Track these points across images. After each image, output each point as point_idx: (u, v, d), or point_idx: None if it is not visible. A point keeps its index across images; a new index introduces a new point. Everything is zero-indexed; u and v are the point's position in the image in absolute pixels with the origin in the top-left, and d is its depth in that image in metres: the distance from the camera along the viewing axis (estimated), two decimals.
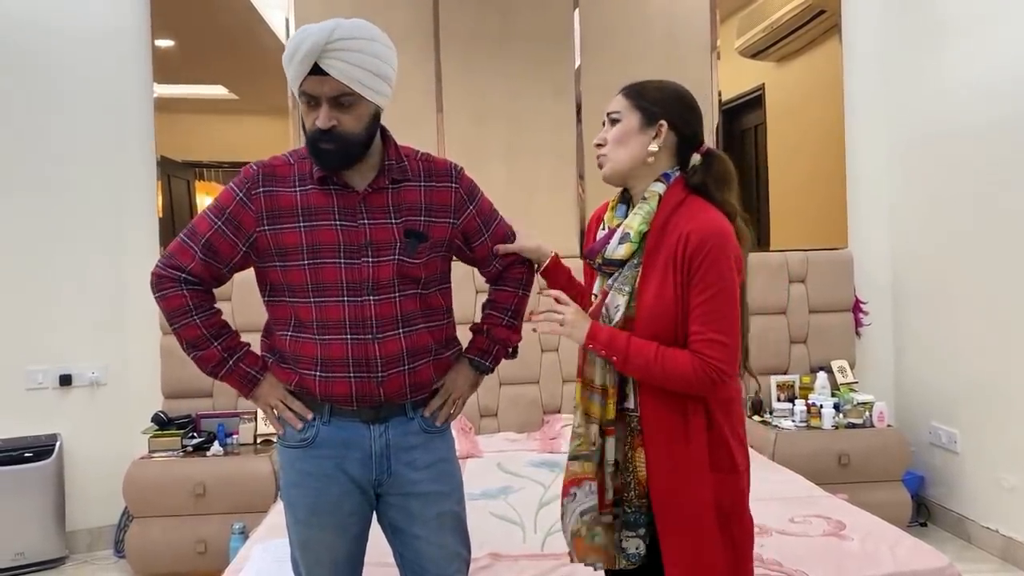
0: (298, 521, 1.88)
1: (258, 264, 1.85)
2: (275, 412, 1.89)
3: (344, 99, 1.71)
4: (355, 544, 1.90)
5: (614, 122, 1.79)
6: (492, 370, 2.05)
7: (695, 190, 1.75)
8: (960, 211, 3.95)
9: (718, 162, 1.79)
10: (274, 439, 3.89)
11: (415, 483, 1.86)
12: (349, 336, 1.78)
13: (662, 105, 1.76)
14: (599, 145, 1.83)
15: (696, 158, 1.79)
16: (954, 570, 2.34)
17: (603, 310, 1.78)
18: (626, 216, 1.81)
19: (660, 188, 1.75)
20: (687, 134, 1.78)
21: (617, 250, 1.75)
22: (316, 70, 1.67)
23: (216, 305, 1.89)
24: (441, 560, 1.88)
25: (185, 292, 1.81)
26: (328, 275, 1.78)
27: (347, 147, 1.75)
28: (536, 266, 2.05)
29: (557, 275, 2.05)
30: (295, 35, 1.69)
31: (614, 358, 1.70)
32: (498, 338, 2.03)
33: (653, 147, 1.75)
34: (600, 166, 1.83)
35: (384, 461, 1.85)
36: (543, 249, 2.04)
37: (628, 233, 1.74)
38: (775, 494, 3.01)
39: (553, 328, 1.79)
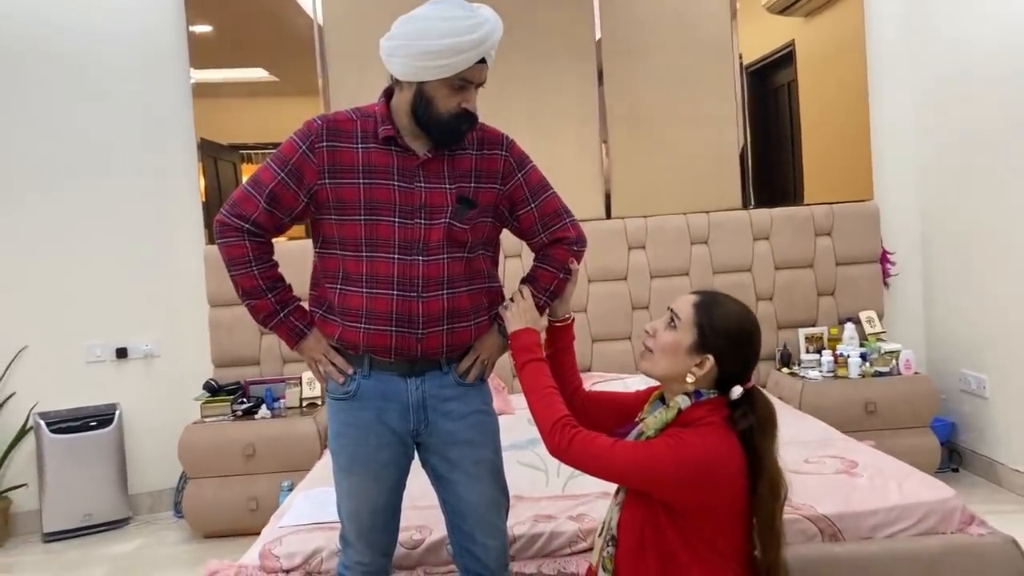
0: (340, 468, 2.01)
1: (316, 216, 1.95)
2: (318, 366, 2.02)
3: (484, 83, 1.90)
4: (392, 494, 2.02)
5: (672, 321, 1.77)
6: None
7: (740, 435, 1.71)
8: (987, 158, 3.94)
9: (762, 405, 1.76)
10: (318, 401, 4.10)
11: (452, 433, 1.98)
12: (396, 292, 1.88)
13: (720, 339, 1.72)
14: (648, 333, 1.83)
15: (738, 390, 1.73)
16: (958, 501, 2.41)
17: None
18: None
19: (684, 402, 1.73)
20: (729, 372, 1.74)
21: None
22: (481, 59, 1.82)
23: (274, 257, 1.99)
24: (480, 505, 2.00)
25: (247, 243, 1.91)
26: (382, 232, 1.88)
27: (474, 125, 1.92)
28: (546, 326, 2.07)
29: (559, 337, 2.05)
30: (468, 22, 1.77)
31: (516, 361, 1.88)
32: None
33: (690, 378, 1.73)
34: (642, 356, 1.84)
35: (421, 412, 1.96)
36: (561, 310, 2.07)
37: (642, 433, 1.76)
38: (794, 439, 3.08)
39: (504, 312, 2.00)
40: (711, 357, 1.72)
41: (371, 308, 1.90)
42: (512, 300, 2.01)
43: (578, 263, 2.09)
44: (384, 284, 1.89)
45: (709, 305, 1.77)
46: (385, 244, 1.88)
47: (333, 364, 1.98)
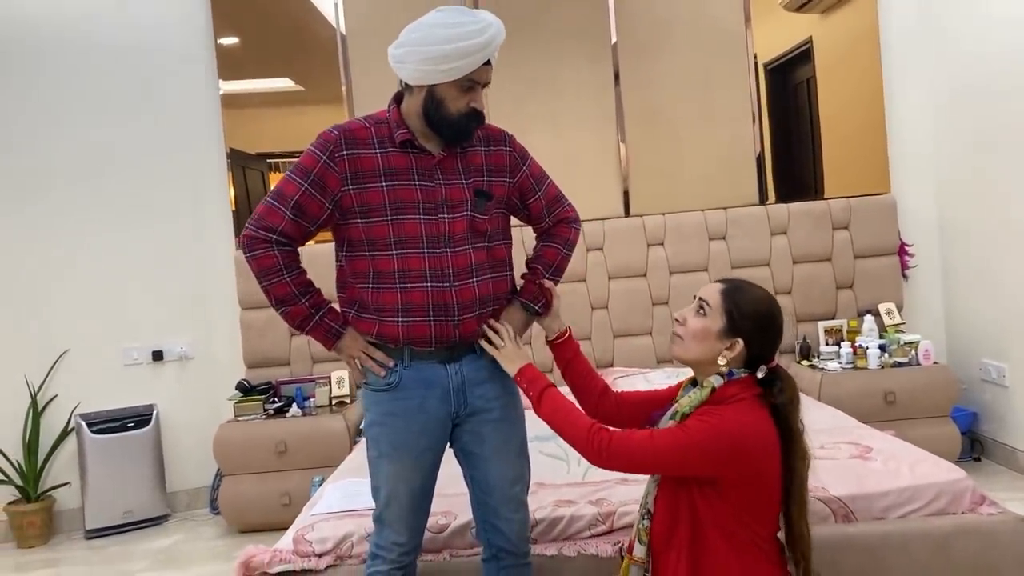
0: (381, 455, 2.09)
1: (339, 222, 2.05)
2: (357, 362, 2.11)
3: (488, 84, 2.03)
4: (429, 477, 2.13)
5: (701, 308, 1.86)
6: (540, 314, 2.20)
7: (773, 409, 1.81)
8: (1003, 149, 3.97)
9: (788, 382, 1.85)
10: (347, 400, 4.22)
11: (487, 411, 2.10)
12: (430, 284, 2.00)
13: (748, 322, 1.82)
14: (678, 321, 1.91)
15: (763, 370, 1.84)
16: (968, 482, 2.46)
17: None
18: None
19: (717, 381, 1.82)
20: (756, 352, 1.84)
21: (667, 423, 1.88)
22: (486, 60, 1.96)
23: (302, 264, 2.08)
24: (506, 480, 2.13)
25: (276, 252, 1.99)
26: (410, 229, 1.99)
27: (482, 123, 2.05)
28: (546, 336, 2.16)
29: (565, 349, 2.13)
30: (472, 27, 1.89)
31: (531, 394, 1.93)
32: (544, 289, 2.23)
33: (722, 360, 1.82)
34: (673, 342, 1.92)
35: (461, 395, 2.08)
36: (555, 325, 2.16)
37: (677, 412, 1.84)
38: (811, 427, 3.08)
39: (492, 350, 2.06)
40: (740, 340, 1.82)
41: (407, 302, 2.00)
42: (489, 341, 2.07)
43: (576, 238, 2.28)
44: (417, 278, 2.00)
45: (735, 291, 1.87)
46: (414, 240, 1.99)
47: (373, 359, 2.07)
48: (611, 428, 1.81)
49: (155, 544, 4.06)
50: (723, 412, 1.76)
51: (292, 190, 1.99)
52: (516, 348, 2.06)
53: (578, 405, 2.00)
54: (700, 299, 1.88)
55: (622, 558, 2.17)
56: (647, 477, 1.94)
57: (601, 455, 1.78)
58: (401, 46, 1.96)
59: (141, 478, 4.29)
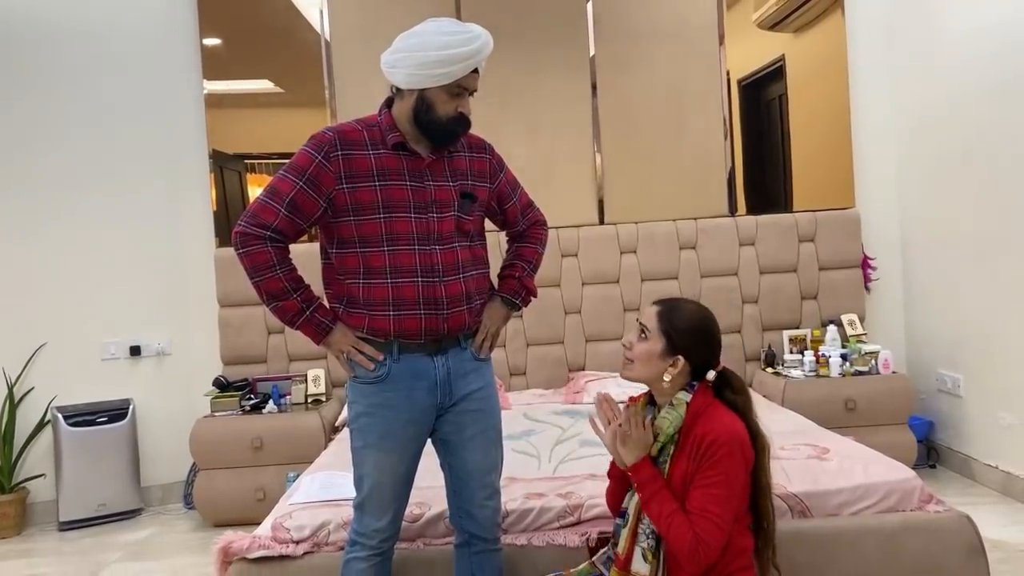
0: (368, 445, 2.17)
1: (330, 220, 2.13)
2: (346, 356, 2.17)
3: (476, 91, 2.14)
4: (412, 464, 2.21)
5: (642, 333, 2.00)
6: (520, 308, 2.37)
7: (729, 405, 1.96)
8: (962, 168, 4.14)
9: (737, 380, 2.01)
10: (323, 398, 4.29)
11: (468, 403, 2.20)
12: (420, 279, 2.09)
13: (685, 338, 1.96)
14: (626, 347, 2.04)
15: (712, 374, 1.99)
16: (917, 481, 2.60)
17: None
18: (654, 417, 2.02)
19: (686, 397, 1.96)
20: (699, 362, 1.98)
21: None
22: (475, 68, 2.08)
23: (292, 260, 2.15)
24: (482, 467, 2.23)
25: (269, 248, 2.05)
26: (401, 227, 2.08)
27: (468, 128, 2.16)
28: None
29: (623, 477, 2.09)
30: (464, 36, 2.02)
31: (641, 494, 1.93)
32: (525, 285, 2.36)
33: (667, 377, 1.96)
34: (623, 366, 2.05)
35: (447, 386, 2.17)
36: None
37: (658, 435, 1.95)
38: (773, 430, 3.24)
39: (611, 440, 2.00)
40: (681, 357, 1.96)
41: (398, 296, 2.09)
42: (619, 424, 2.00)
43: (547, 239, 2.47)
44: (408, 273, 2.09)
45: (670, 312, 2.01)
46: (405, 237, 2.09)
47: (362, 353, 2.14)
48: (696, 536, 1.85)
49: (129, 536, 4.10)
50: (712, 429, 1.88)
51: (287, 188, 2.06)
52: (646, 436, 1.98)
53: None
54: (641, 324, 2.02)
55: (590, 549, 2.27)
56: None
57: (710, 556, 1.84)
58: (396, 52, 2.06)
59: (116, 472, 4.33)
